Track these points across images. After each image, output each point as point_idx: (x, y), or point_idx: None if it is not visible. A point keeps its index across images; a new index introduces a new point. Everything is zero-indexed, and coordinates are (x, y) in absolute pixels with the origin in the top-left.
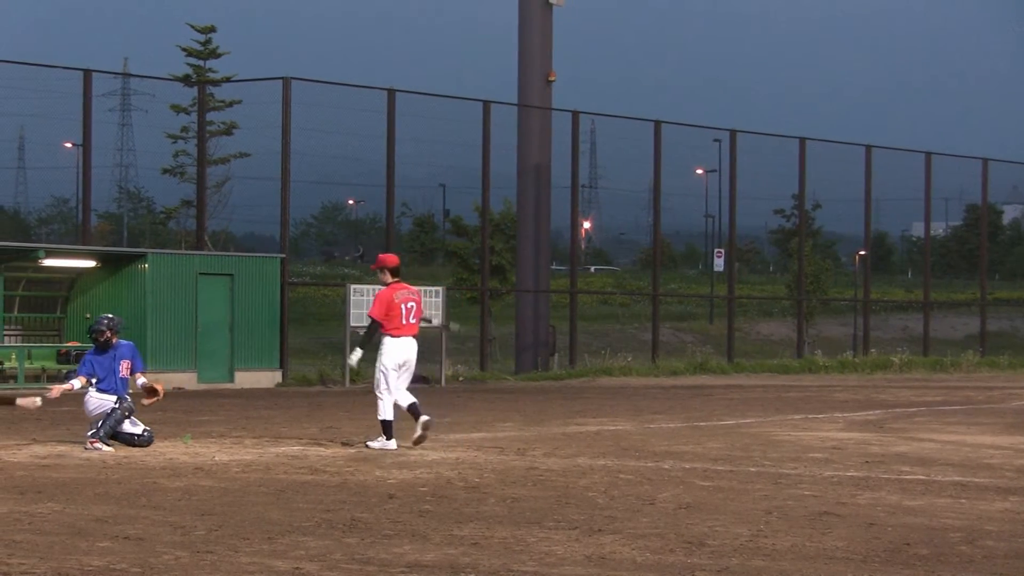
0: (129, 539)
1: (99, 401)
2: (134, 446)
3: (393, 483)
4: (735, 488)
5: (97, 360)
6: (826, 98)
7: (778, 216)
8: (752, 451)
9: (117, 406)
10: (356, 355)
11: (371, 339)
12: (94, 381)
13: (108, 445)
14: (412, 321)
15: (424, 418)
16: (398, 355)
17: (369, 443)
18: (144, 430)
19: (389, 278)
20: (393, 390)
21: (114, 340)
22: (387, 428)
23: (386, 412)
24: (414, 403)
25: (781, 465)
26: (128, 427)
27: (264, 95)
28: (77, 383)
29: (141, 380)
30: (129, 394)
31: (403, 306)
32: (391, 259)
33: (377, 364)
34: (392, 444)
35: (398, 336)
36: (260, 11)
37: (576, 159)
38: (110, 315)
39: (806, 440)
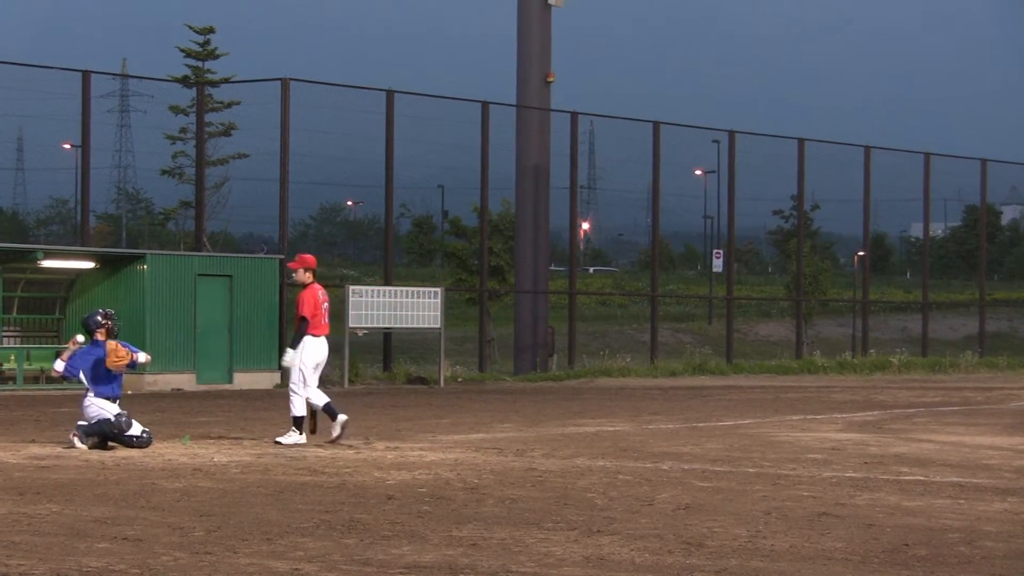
0: (128, 540)
1: (99, 409)
2: (133, 447)
3: (392, 484)
4: (734, 489)
5: (79, 356)
6: (825, 99)
7: (777, 217)
8: (751, 452)
9: (113, 419)
10: (289, 356)
11: (302, 338)
12: (86, 379)
13: (83, 443)
14: (327, 321)
15: (342, 417)
16: (317, 354)
17: (279, 439)
18: (143, 431)
19: (310, 278)
20: (308, 388)
21: (116, 332)
22: (299, 423)
23: (300, 408)
24: (329, 403)
25: (780, 466)
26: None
27: (263, 96)
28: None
29: (142, 356)
30: (126, 394)
31: (322, 306)
32: (313, 260)
33: (295, 362)
34: (303, 439)
35: (318, 335)
36: (259, 12)
37: (575, 160)
38: (108, 310)
39: (805, 441)
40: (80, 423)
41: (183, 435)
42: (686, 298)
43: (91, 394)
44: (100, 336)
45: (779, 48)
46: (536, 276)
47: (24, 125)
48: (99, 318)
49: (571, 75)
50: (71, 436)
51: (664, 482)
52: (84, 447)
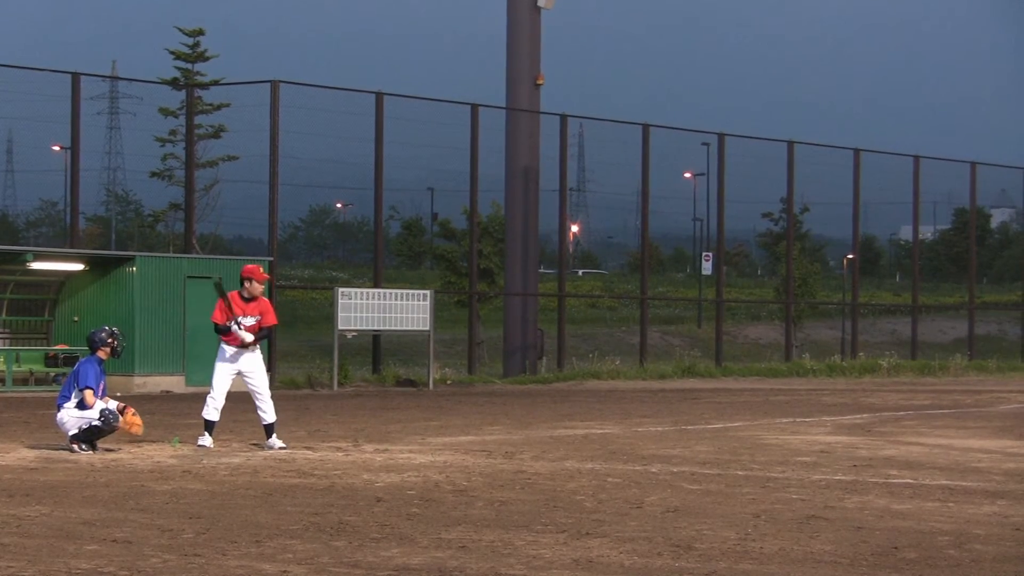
0: (117, 542)
1: (78, 421)
2: (102, 434)
3: (381, 486)
4: (723, 492)
5: (94, 375)
6: (815, 102)
7: (766, 219)
8: (740, 455)
9: (102, 423)
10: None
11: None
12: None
13: (85, 449)
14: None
15: (207, 442)
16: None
17: (278, 445)
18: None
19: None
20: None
21: (120, 351)
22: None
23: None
24: (215, 423)
25: (769, 469)
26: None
27: (252, 98)
28: (112, 404)
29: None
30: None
31: None
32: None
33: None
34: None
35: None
36: (248, 15)
37: (564, 162)
38: (114, 328)
39: (794, 444)
40: (71, 433)
41: (173, 437)
42: (675, 301)
43: (67, 407)
44: (103, 354)
45: (769, 51)
46: (525, 279)
47: (14, 127)
48: (104, 335)
49: (561, 78)
50: (71, 446)
51: (653, 485)
52: (90, 451)
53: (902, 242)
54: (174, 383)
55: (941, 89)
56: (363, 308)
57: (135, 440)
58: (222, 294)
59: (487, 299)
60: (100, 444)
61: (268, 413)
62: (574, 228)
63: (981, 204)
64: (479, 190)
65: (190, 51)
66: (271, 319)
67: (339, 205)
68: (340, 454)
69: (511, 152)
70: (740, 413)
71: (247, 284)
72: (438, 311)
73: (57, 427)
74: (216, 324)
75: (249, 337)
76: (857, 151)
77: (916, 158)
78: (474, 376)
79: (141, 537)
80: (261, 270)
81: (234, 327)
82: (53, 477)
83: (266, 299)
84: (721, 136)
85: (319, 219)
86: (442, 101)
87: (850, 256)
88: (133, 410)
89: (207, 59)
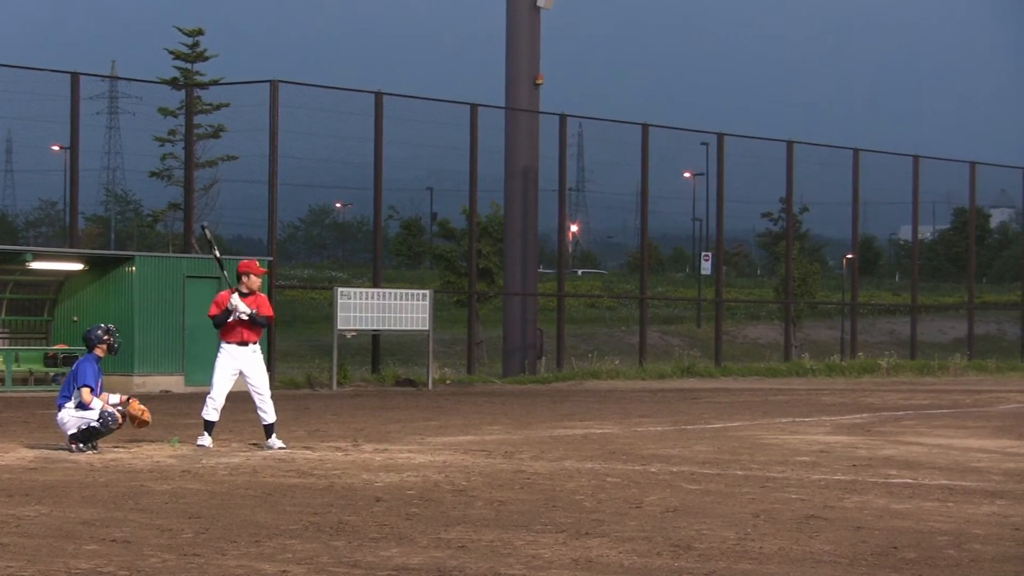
0: (116, 542)
1: (78, 421)
2: (100, 435)
3: (380, 486)
4: (722, 491)
5: (92, 373)
6: (815, 102)
7: (766, 219)
8: (739, 454)
9: (100, 425)
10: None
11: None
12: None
13: (85, 448)
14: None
15: (206, 442)
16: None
17: (278, 445)
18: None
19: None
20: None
21: (117, 348)
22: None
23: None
24: (215, 423)
25: (768, 468)
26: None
27: (252, 98)
28: (114, 398)
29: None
30: (119, 409)
31: None
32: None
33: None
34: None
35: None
36: (248, 14)
37: (564, 162)
38: (110, 325)
39: (793, 443)
40: (70, 433)
41: (172, 437)
42: (675, 300)
43: (67, 407)
44: (100, 352)
45: (769, 51)
46: (525, 278)
47: (13, 127)
48: (100, 333)
49: (560, 77)
50: (70, 446)
51: (653, 484)
52: (90, 451)
53: (901, 242)
54: (173, 383)
55: (941, 89)
56: (362, 308)
57: (135, 439)
58: (208, 244)
59: (486, 299)
60: (100, 443)
61: (268, 413)
62: (573, 228)
63: (981, 204)
64: (478, 190)
65: (189, 51)
66: (267, 312)
67: (338, 205)
68: (339, 454)
69: (510, 152)
70: (739, 413)
71: (244, 279)
72: (437, 311)
73: (57, 427)
74: (213, 318)
75: (244, 308)
76: (857, 151)
77: (916, 158)
78: (473, 376)
79: (140, 537)
80: (257, 264)
81: (232, 300)
82: (52, 477)
83: (263, 295)
84: (720, 136)
85: (319, 219)
86: (441, 101)
87: (849, 256)
88: (137, 400)
89: (207, 59)
